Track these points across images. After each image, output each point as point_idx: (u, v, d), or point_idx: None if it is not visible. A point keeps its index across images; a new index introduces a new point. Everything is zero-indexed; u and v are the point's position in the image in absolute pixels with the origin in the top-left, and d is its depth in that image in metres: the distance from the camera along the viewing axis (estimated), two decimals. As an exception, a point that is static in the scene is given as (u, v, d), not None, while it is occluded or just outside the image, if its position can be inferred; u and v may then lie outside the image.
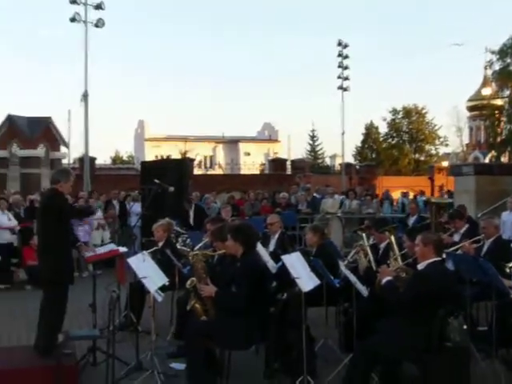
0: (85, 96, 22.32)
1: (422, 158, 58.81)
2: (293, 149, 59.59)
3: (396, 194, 26.15)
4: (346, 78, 34.37)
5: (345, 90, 34.41)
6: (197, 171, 35.38)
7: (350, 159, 47.98)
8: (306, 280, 5.86)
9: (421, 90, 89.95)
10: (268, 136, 62.82)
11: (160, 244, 8.44)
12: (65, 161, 29.27)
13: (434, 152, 59.54)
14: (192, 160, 28.61)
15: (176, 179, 12.80)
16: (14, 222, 12.27)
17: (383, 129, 60.41)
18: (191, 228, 12.46)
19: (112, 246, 8.37)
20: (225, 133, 60.97)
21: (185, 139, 52.78)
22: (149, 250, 7.63)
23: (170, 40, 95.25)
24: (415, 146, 59.04)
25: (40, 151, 25.42)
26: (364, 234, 7.30)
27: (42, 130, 25.72)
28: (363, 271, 6.73)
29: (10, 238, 12.21)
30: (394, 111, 59.12)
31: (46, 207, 6.79)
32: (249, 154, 55.86)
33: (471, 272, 6.69)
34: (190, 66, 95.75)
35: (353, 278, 6.31)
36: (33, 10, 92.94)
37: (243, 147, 59.48)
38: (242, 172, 36.56)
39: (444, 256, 6.06)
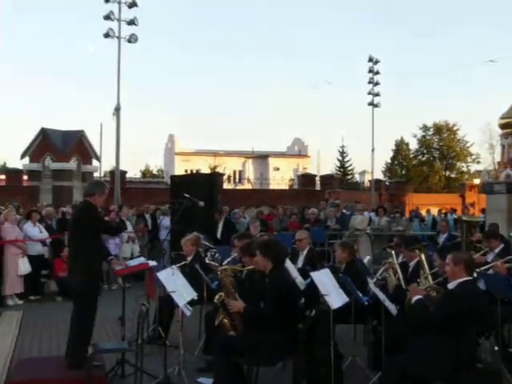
0: (117, 110, 22.58)
1: (453, 176, 58.21)
2: (322, 164, 59.72)
3: (426, 212, 25.98)
4: (377, 94, 34.29)
5: (375, 106, 34.33)
6: (226, 186, 35.47)
7: (379, 176, 47.66)
8: (335, 297, 5.84)
9: (452, 107, 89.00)
10: (297, 151, 62.82)
11: (189, 258, 8.48)
12: (96, 174, 29.63)
13: (465, 169, 58.95)
14: (221, 174, 28.74)
15: (205, 194, 12.85)
16: (45, 234, 12.43)
17: (413, 145, 60.07)
18: (218, 242, 12.51)
19: (142, 260, 8.44)
20: (254, 148, 61.20)
21: (214, 154, 53.03)
22: (178, 264, 7.68)
23: (201, 55, 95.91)
24: (446, 163, 58.50)
25: (72, 164, 25.79)
26: (393, 252, 7.26)
27: (75, 144, 26.10)
28: (392, 289, 6.68)
29: (41, 250, 12.36)
30: (425, 128, 58.73)
31: (79, 219, 6.88)
32: (278, 169, 55.88)
33: (503, 292, 6.60)
34: (221, 81, 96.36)
35: (382, 295, 6.26)
36: (67, 26, 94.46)
37: (272, 162, 59.54)
38: (271, 187, 36.55)
39: (475, 275, 5.99)
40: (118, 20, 22.44)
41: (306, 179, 35.16)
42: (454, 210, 25.05)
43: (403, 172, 58.34)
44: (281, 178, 39.91)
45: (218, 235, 14.18)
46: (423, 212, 26.18)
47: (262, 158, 60.18)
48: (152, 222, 15.95)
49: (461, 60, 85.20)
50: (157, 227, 15.11)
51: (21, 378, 6.37)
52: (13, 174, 28.33)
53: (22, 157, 26.36)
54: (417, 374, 5.08)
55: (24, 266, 11.62)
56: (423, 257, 6.56)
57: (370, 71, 34.31)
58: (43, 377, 6.34)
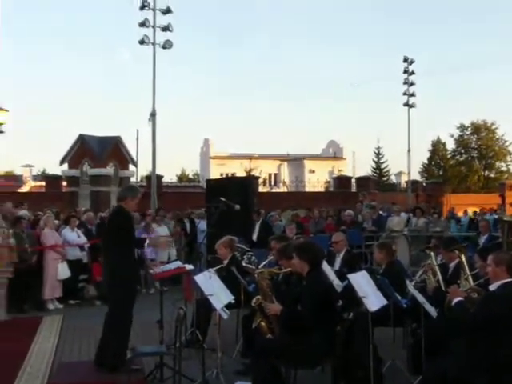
0: (153, 115, 22.75)
1: (492, 175, 57.26)
2: (358, 166, 59.25)
3: (463, 212, 25.68)
4: (412, 95, 33.92)
5: (411, 106, 33.97)
6: (261, 189, 35.50)
7: (416, 176, 47.14)
8: (373, 299, 5.78)
9: (490, 105, 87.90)
10: (333, 153, 62.61)
11: (225, 261, 8.49)
12: (133, 179, 29.91)
13: (504, 169, 57.97)
14: (257, 178, 28.75)
15: (241, 197, 12.86)
16: (83, 239, 12.59)
17: (451, 145, 59.30)
18: (254, 245, 12.50)
19: (179, 264, 8.48)
20: (289, 150, 61.13)
21: (250, 157, 53.15)
22: (215, 268, 7.70)
23: (235, 59, 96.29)
24: (485, 162, 57.59)
25: (109, 170, 26.05)
26: (432, 253, 7.17)
27: (112, 149, 26.36)
28: (432, 291, 6.59)
29: (79, 255, 12.53)
30: (462, 127, 57.93)
31: (110, 224, 6.97)
32: (313, 172, 55.75)
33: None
34: (255, 84, 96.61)
35: (421, 298, 6.17)
36: (103, 34, 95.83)
37: (308, 165, 59.44)
38: (307, 189, 36.45)
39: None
40: (153, 27, 22.63)
41: (342, 181, 34.93)
42: (494, 210, 24.63)
43: (440, 172, 57.60)
44: (316, 180, 39.74)
45: (254, 238, 14.19)
46: (460, 213, 25.87)
47: (297, 160, 60.10)
48: (190, 226, 16.05)
49: (498, 57, 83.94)
50: (196, 232, 15.18)
51: (61, 380, 6.48)
52: (52, 180, 28.80)
53: (61, 163, 26.75)
54: (457, 378, 4.99)
55: (63, 271, 11.79)
56: (463, 258, 6.45)
57: (405, 72, 33.96)
58: (83, 380, 6.42)
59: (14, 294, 11.03)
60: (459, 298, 5.35)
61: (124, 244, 6.65)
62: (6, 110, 18.20)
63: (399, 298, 6.56)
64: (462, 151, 58.53)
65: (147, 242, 7.28)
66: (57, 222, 12.94)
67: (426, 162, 59.63)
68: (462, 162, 58.01)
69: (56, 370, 7.07)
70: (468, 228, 20.76)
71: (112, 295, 6.72)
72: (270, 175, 57.17)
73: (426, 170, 58.97)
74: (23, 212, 13.90)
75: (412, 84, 33.90)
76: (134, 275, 7.05)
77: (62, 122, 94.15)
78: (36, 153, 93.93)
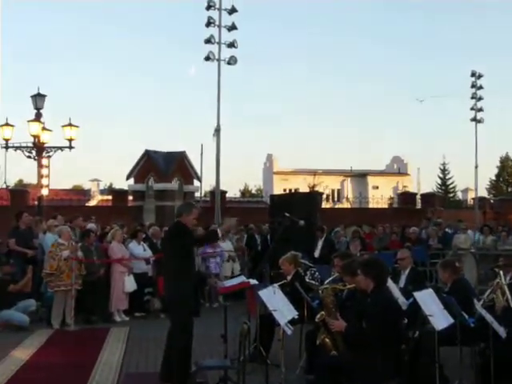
0: (217, 131, 23.03)
1: None
2: (422, 182, 58.30)
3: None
4: (480, 110, 33.21)
5: (479, 121, 33.25)
6: (325, 205, 35.35)
7: (483, 193, 46.05)
8: (440, 318, 5.70)
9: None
10: (397, 169, 61.81)
11: (288, 277, 8.51)
12: (197, 194, 30.23)
13: None
14: (321, 193, 28.64)
15: (305, 212, 12.86)
16: (148, 253, 12.82)
17: (520, 161, 57.69)
18: (316, 261, 12.46)
19: (243, 278, 8.54)
20: (353, 166, 60.72)
21: (313, 172, 53.01)
22: (278, 283, 7.73)
23: (298, 75, 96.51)
24: (556, 178, 55.83)
25: (174, 184, 26.41)
26: (501, 272, 7.00)
27: (177, 164, 26.74)
28: (500, 310, 6.43)
29: (145, 268, 12.77)
30: (532, 143, 56.38)
31: (169, 238, 7.12)
32: (377, 188, 55.13)
33: None
34: (318, 100, 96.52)
35: (489, 317, 6.04)
36: (170, 49, 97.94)
37: (371, 180, 58.84)
38: (370, 206, 36.07)
39: None
40: (218, 43, 22.97)
41: (406, 198, 34.43)
42: None
43: (509, 189, 56.07)
44: (380, 196, 39.27)
45: (317, 254, 14.15)
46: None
47: (360, 176, 59.61)
48: (261, 240, 16.15)
49: None
50: (266, 246, 15.15)
51: (128, 391, 6.58)
52: (119, 194, 29.44)
53: (128, 178, 27.33)
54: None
55: (130, 284, 12.04)
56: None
57: (473, 86, 33.30)
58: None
59: (82, 306, 11.34)
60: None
61: (183, 258, 6.74)
62: (76, 126, 18.74)
63: (466, 316, 6.42)
64: (532, 167, 56.90)
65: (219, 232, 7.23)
66: (124, 235, 13.22)
67: (494, 178, 58.21)
68: (532, 178, 56.38)
69: (123, 380, 7.22)
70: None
71: (172, 309, 6.83)
72: (332, 191, 56.86)
73: (494, 186, 57.55)
74: (91, 225, 14.26)
75: (480, 99, 33.20)
76: (193, 288, 7.12)
77: (129, 137, 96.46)
78: (103, 167, 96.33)
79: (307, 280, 8.98)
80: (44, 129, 18.22)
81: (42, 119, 18.24)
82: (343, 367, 5.56)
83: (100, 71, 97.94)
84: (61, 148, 18.78)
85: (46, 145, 18.43)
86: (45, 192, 18.72)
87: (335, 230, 17.32)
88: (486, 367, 6.17)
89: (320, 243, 14.50)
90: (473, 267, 14.74)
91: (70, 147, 18.72)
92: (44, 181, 18.59)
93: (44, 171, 18.58)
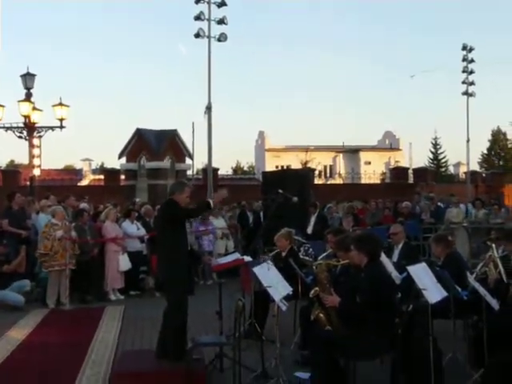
0: (208, 108, 22.92)
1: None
2: (414, 157, 58.39)
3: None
4: (472, 83, 33.13)
5: (470, 95, 33.19)
6: (317, 181, 35.34)
7: (475, 167, 46.18)
8: (433, 291, 5.72)
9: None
10: (389, 144, 61.81)
11: (283, 253, 8.54)
12: (189, 172, 30.19)
13: None
14: (313, 170, 28.64)
15: (297, 189, 12.86)
16: (142, 231, 12.83)
17: (512, 135, 57.74)
18: (309, 237, 12.49)
19: (237, 255, 8.56)
20: (345, 142, 60.66)
21: (305, 149, 52.92)
22: (271, 254, 7.78)
23: (289, 52, 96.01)
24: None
25: (166, 163, 26.36)
26: (493, 245, 7.04)
27: (168, 143, 26.66)
28: (493, 283, 6.48)
29: (139, 247, 12.78)
30: (524, 116, 56.38)
31: (161, 216, 7.13)
32: (369, 163, 55.17)
33: None
34: (309, 76, 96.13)
35: (482, 290, 6.08)
36: (159, 29, 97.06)
37: (363, 156, 58.85)
38: (363, 181, 36.12)
39: None
40: (208, 20, 22.77)
41: (399, 173, 34.48)
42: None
43: (501, 163, 56.22)
44: (372, 172, 39.32)
45: (309, 230, 14.18)
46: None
47: (352, 152, 59.59)
48: (254, 218, 16.14)
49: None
50: (259, 223, 15.15)
51: (125, 368, 6.62)
52: (111, 173, 29.38)
53: (120, 157, 27.24)
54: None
55: (124, 263, 12.06)
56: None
57: (464, 60, 33.17)
58: (145, 368, 6.55)
59: (77, 285, 11.36)
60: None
61: (176, 235, 6.73)
62: (67, 106, 18.64)
63: (459, 290, 6.47)
64: (524, 141, 56.99)
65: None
66: (118, 215, 13.21)
67: (486, 152, 58.33)
68: (525, 151, 56.52)
69: (119, 358, 7.26)
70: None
71: (166, 288, 6.84)
72: (325, 167, 56.84)
73: (486, 160, 57.69)
74: (83, 205, 14.24)
75: (472, 72, 33.10)
76: (186, 266, 7.11)
77: (120, 117, 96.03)
78: (95, 147, 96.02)
79: (301, 256, 9.01)
80: (34, 109, 18.12)
81: (32, 99, 18.13)
82: (337, 342, 5.60)
83: (89, 51, 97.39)
84: (52, 128, 18.70)
85: (36, 125, 18.35)
86: (36, 172, 18.67)
87: (328, 206, 17.35)
88: (478, 339, 6.23)
89: (313, 219, 14.54)
90: (465, 241, 14.86)
91: (61, 127, 18.64)
92: (35, 161, 18.53)
93: (35, 151, 18.51)
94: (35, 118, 18.13)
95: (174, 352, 6.54)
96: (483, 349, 6.00)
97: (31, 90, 18.14)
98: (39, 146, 18.75)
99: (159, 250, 7.05)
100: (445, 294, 5.87)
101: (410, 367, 5.96)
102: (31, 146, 18.35)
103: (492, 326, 6.03)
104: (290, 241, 8.90)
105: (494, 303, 6.04)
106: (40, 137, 18.63)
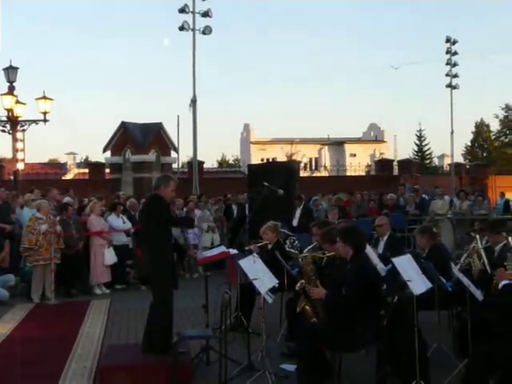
0: (193, 102, 22.89)
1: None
2: (399, 149, 58.57)
3: (499, 195, 25.36)
4: (455, 76, 33.29)
5: (454, 87, 33.36)
6: (302, 173, 35.41)
7: (459, 159, 46.49)
8: (418, 283, 5.75)
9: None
10: (374, 137, 61.97)
11: (269, 246, 8.55)
12: (174, 165, 30.14)
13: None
14: (298, 162, 28.67)
15: (283, 182, 12.88)
16: (128, 225, 12.79)
17: (495, 126, 58.10)
18: (294, 230, 12.50)
19: (223, 248, 8.56)
20: (330, 134, 60.73)
21: (290, 142, 52.93)
22: (257, 245, 7.79)
23: (275, 44, 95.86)
24: (531, 143, 56.32)
25: (151, 156, 26.29)
26: (477, 236, 7.08)
27: (154, 136, 26.58)
28: (477, 274, 6.52)
29: (125, 241, 12.73)
30: (507, 108, 56.63)
31: (145, 211, 7.11)
32: (354, 156, 55.29)
33: None
34: (295, 69, 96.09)
35: (466, 281, 6.12)
36: (144, 21, 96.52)
37: (349, 148, 58.95)
38: (348, 174, 36.22)
39: None
40: (193, 12, 22.68)
41: (383, 165, 34.64)
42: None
43: (484, 154, 56.58)
44: (357, 164, 39.43)
45: (295, 223, 14.19)
46: (508, 195, 25.53)
47: (337, 144, 59.68)
48: (238, 211, 16.10)
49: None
50: (244, 216, 15.14)
51: (111, 362, 6.60)
52: (95, 167, 29.26)
53: (104, 150, 27.12)
54: (506, 361, 4.95)
55: (110, 256, 12.01)
56: (511, 240, 6.37)
57: (448, 52, 33.33)
58: (132, 362, 6.55)
59: (62, 280, 11.30)
60: (506, 281, 5.29)
61: (161, 230, 6.71)
62: (50, 99, 18.49)
63: (444, 281, 6.52)
64: (507, 132, 57.28)
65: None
66: (103, 208, 13.15)
67: (470, 144, 58.67)
68: (507, 143, 56.80)
69: (105, 352, 7.24)
70: (503, 210, 20.67)
71: (152, 282, 6.83)
72: (310, 160, 56.90)
73: (470, 152, 58.08)
74: (67, 199, 14.15)
75: (455, 65, 33.26)
76: (171, 261, 7.10)
77: (105, 110, 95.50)
78: (79, 141, 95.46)
79: (287, 249, 9.02)
80: (18, 102, 17.95)
81: (15, 92, 17.96)
82: (324, 334, 5.62)
83: (73, 44, 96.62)
84: (35, 121, 18.55)
85: (20, 118, 18.19)
86: (20, 166, 18.53)
87: (314, 199, 17.37)
88: (463, 330, 6.28)
89: (298, 212, 14.54)
90: (450, 232, 14.97)
91: (45, 120, 18.49)
92: (19, 155, 18.39)
93: (19, 145, 18.37)
94: (18, 111, 17.98)
95: (159, 346, 6.54)
96: (467, 339, 6.05)
97: (14, 84, 17.98)
98: (23, 140, 18.60)
99: (144, 244, 7.03)
100: (429, 285, 5.90)
101: (395, 358, 6.00)
102: (14, 139, 18.19)
103: (476, 316, 6.07)
104: (277, 233, 8.91)
105: (478, 294, 6.08)
106: (23, 130, 18.49)
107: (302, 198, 15.11)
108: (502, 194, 25.10)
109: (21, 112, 18.12)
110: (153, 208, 6.80)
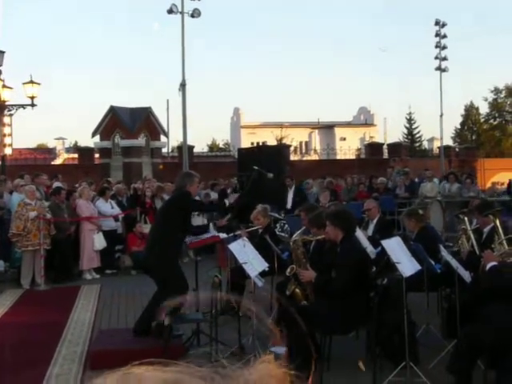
0: (182, 85, 22.70)
1: (527, 139, 56.21)
2: (389, 132, 58.63)
3: (498, 177, 25.31)
4: (444, 59, 33.22)
5: (443, 70, 33.30)
6: (293, 157, 35.38)
7: (448, 142, 46.45)
8: (407, 265, 5.78)
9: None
10: (364, 120, 61.95)
11: (260, 230, 8.56)
12: (164, 150, 29.99)
13: (541, 132, 56.80)
14: (289, 146, 28.64)
15: (273, 165, 12.88)
16: (116, 210, 12.77)
17: (484, 109, 58.19)
18: (289, 211, 12.51)
19: (213, 233, 8.56)
20: (320, 118, 60.62)
21: (280, 125, 52.81)
22: (247, 230, 7.79)
23: (264, 27, 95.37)
24: (519, 126, 56.53)
25: (141, 141, 26.13)
26: (466, 218, 7.11)
27: (143, 120, 26.40)
28: (466, 256, 6.56)
29: (114, 226, 12.72)
30: (496, 91, 56.72)
31: (172, 204, 7.14)
32: (344, 139, 55.28)
33: None
34: (284, 52, 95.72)
35: (455, 263, 6.16)
36: (132, 5, 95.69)
37: (339, 132, 58.91)
38: (338, 157, 36.17)
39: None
40: (181, -5, 22.45)
41: (374, 148, 34.60)
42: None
43: (473, 137, 56.73)
44: (347, 147, 39.39)
45: (289, 205, 14.20)
46: (497, 177, 25.53)
47: (327, 128, 59.61)
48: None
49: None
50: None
51: (101, 347, 6.62)
52: (85, 152, 29.07)
53: (93, 135, 26.95)
54: (493, 342, 4.99)
55: (99, 242, 11.97)
56: (498, 222, 6.39)
57: (437, 35, 33.24)
58: (123, 346, 6.55)
59: (52, 265, 11.27)
60: (494, 263, 5.33)
61: (179, 225, 6.75)
62: (38, 84, 18.34)
63: (433, 263, 6.55)
64: (496, 115, 57.43)
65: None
66: (92, 193, 13.11)
67: (459, 127, 58.78)
68: (496, 125, 56.99)
69: (96, 337, 7.26)
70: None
71: (157, 270, 6.85)
72: (300, 143, 56.82)
73: (459, 135, 58.12)
74: (57, 184, 14.09)
75: (444, 48, 33.20)
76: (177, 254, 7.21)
77: (93, 94, 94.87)
78: (68, 125, 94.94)
79: (277, 232, 9.04)
80: (4, 86, 17.81)
81: (1, 77, 17.83)
82: (314, 316, 5.64)
83: (61, 27, 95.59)
84: (23, 106, 18.42)
85: (7, 103, 18.05)
86: (8, 151, 18.42)
87: (305, 182, 17.38)
88: (451, 311, 6.33)
89: (291, 194, 14.55)
90: (439, 214, 15.00)
91: (33, 105, 18.35)
92: (7, 140, 18.28)
93: (6, 130, 18.25)
94: (6, 95, 17.85)
95: (155, 329, 6.56)
96: (456, 320, 6.10)
97: (0, 68, 17.85)
98: (10, 125, 18.48)
99: (154, 233, 7.03)
100: (418, 267, 5.94)
101: (384, 340, 6.04)
102: (2, 124, 18.08)
103: (464, 297, 6.12)
104: (268, 217, 8.90)
105: (467, 276, 6.13)
106: (11, 115, 18.37)
107: (293, 178, 15.12)
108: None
109: (8, 96, 17.99)
110: (182, 203, 6.85)
